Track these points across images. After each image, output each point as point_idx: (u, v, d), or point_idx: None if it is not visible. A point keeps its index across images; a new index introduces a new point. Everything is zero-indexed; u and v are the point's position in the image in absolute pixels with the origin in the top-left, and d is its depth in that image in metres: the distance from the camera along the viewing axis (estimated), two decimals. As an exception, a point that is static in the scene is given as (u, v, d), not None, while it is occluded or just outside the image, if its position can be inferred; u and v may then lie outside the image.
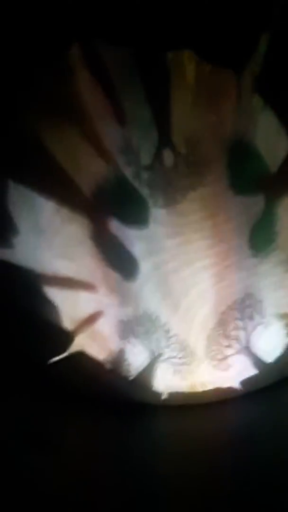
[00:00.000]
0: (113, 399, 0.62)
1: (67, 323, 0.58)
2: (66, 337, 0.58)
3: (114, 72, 0.45)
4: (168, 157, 0.49)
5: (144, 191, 0.50)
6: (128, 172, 0.49)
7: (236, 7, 0.43)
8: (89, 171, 0.49)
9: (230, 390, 0.62)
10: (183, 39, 0.44)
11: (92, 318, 0.58)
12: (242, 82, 0.46)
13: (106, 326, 0.58)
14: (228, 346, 0.59)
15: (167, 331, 0.58)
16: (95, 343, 0.59)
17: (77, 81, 0.45)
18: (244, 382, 0.61)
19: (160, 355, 0.59)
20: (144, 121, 0.47)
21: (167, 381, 0.61)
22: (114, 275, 0.55)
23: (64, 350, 0.59)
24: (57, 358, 0.59)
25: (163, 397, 0.62)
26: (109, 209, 0.52)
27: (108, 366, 0.60)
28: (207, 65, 0.45)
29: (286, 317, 0.58)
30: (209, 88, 0.46)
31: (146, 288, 0.55)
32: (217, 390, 0.61)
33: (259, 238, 0.54)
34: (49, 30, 0.44)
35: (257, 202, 0.52)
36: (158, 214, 0.51)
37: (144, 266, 0.54)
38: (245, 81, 0.46)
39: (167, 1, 0.43)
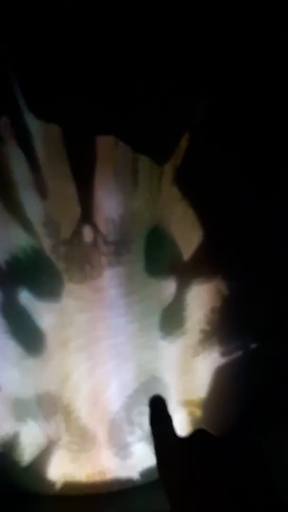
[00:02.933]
0: (3, 486, 0.56)
1: None
2: None
3: (41, 146, 0.46)
4: (87, 233, 0.49)
5: (60, 265, 0.50)
6: (46, 245, 0.49)
7: (162, 107, 0.47)
8: (6, 240, 0.48)
9: (128, 480, 0.59)
10: (112, 126, 0.47)
11: (-13, 394, 0.53)
12: (163, 173, 0.49)
13: (1, 405, 0.54)
14: (131, 433, 0.57)
15: (69, 414, 0.55)
16: (-13, 424, 0.54)
17: (4, 151, 0.45)
18: (143, 472, 0.59)
19: (58, 440, 0.56)
20: (67, 197, 0.48)
21: (64, 469, 0.57)
22: (17, 349, 0.52)
23: None
24: None
25: (58, 486, 0.57)
26: (22, 280, 0.50)
27: (-1, 449, 0.55)
28: (132, 153, 0.48)
29: (189, 404, 0.58)
30: (132, 175, 0.48)
31: (51, 365, 0.53)
32: (116, 480, 0.58)
33: (169, 321, 0.55)
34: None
35: (169, 286, 0.53)
36: (72, 288, 0.51)
37: (51, 341, 0.52)
38: (166, 173, 0.49)
39: (100, 89, 0.45)
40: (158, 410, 0.32)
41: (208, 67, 0.46)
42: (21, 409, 0.54)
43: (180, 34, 0.45)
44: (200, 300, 0.54)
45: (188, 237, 0.52)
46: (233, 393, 0.59)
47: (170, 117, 0.47)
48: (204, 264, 0.53)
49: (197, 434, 0.29)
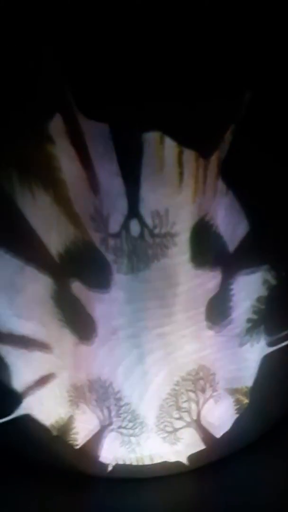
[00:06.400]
0: (58, 468, 0.59)
1: (17, 383, 0.56)
2: (14, 399, 0.56)
3: (91, 144, 0.48)
4: (135, 227, 0.51)
5: (109, 257, 0.51)
6: (95, 238, 0.50)
7: (207, 100, 0.47)
8: (58, 234, 0.50)
9: (177, 464, 0.60)
10: (157, 121, 0.48)
11: (43, 380, 0.56)
12: (208, 166, 0.50)
13: (56, 390, 0.57)
14: (179, 418, 0.58)
15: (119, 400, 0.57)
16: (43, 407, 0.57)
17: (56, 149, 0.47)
18: (192, 457, 0.60)
19: (109, 424, 0.58)
20: (115, 192, 0.49)
21: (115, 452, 0.59)
22: (71, 337, 0.55)
23: (10, 412, 0.56)
24: (2, 420, 0.56)
25: (109, 469, 0.59)
26: (74, 271, 0.52)
27: (54, 432, 0.58)
28: (177, 147, 0.48)
29: (236, 393, 0.59)
30: (178, 169, 0.49)
31: (102, 353, 0.55)
32: (165, 464, 0.60)
33: (215, 311, 0.55)
34: (33, 99, 0.47)
35: (215, 277, 0.54)
36: (120, 279, 0.52)
37: (102, 330, 0.54)
38: (212, 166, 0.50)
39: (145, 84, 0.46)
40: None
41: (253, 58, 0.46)
42: (75, 394, 0.56)
43: (222, 26, 0.45)
44: (247, 290, 0.55)
45: (233, 229, 0.52)
46: (281, 383, 0.59)
47: (215, 110, 0.48)
48: (250, 255, 0.53)
49: None
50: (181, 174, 0.49)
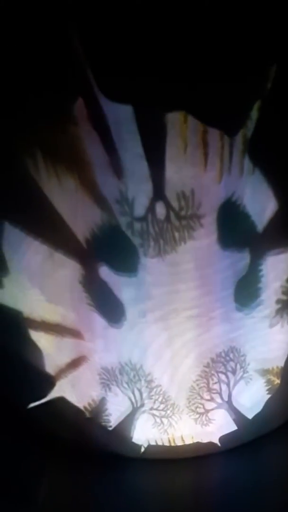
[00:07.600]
0: (92, 449, 0.60)
1: (49, 367, 0.57)
2: (47, 382, 0.57)
3: (114, 127, 0.47)
4: (160, 210, 0.50)
5: (136, 241, 0.51)
6: (121, 222, 0.50)
7: (231, 76, 0.46)
8: (84, 218, 0.51)
9: (209, 445, 0.61)
10: (181, 101, 0.47)
11: (75, 363, 0.57)
12: (234, 144, 0.48)
13: (88, 373, 0.58)
14: (210, 400, 0.59)
15: (150, 382, 0.57)
16: (76, 390, 0.58)
17: (80, 132, 0.47)
18: (224, 438, 0.61)
19: (141, 406, 0.59)
20: (140, 175, 0.49)
21: (147, 434, 0.60)
22: (100, 321, 0.55)
23: (44, 395, 0.58)
24: (37, 402, 0.58)
25: (142, 450, 0.60)
26: (101, 256, 0.53)
27: (87, 414, 0.59)
28: (201, 126, 0.47)
29: (268, 374, 0.58)
30: (203, 148, 0.48)
31: (131, 335, 0.56)
32: (197, 445, 0.61)
33: (244, 293, 0.55)
34: (56, 82, 0.47)
35: (243, 258, 0.53)
36: (147, 263, 0.52)
37: (130, 313, 0.55)
38: (237, 144, 0.49)
39: (167, 64, 0.45)
40: None
41: (277, 30, 0.45)
42: (106, 377, 0.57)
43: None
44: (276, 270, 0.54)
45: (262, 208, 0.51)
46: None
47: (240, 87, 0.46)
48: (279, 235, 0.52)
49: None
50: (206, 154, 0.48)
